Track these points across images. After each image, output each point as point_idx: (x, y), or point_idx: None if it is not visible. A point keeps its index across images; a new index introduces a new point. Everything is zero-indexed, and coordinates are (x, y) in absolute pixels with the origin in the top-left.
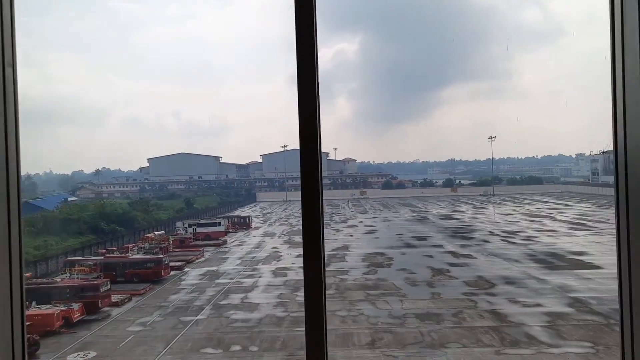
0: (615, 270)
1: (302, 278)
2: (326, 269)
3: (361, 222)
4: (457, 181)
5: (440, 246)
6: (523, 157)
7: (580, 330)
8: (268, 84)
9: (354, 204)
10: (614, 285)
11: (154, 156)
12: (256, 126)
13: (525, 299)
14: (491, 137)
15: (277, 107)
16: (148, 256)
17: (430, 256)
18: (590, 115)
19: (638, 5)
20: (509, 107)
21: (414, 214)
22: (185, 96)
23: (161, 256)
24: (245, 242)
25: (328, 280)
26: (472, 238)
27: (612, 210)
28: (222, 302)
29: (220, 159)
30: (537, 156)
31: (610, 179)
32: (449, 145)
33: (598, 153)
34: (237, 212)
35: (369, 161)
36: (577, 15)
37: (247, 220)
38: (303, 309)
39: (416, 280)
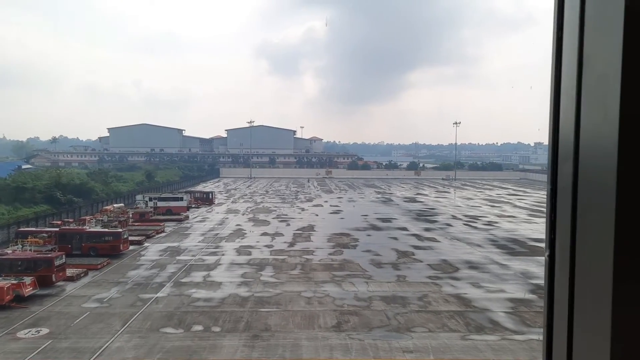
0: None
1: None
2: (292, 248)
3: (326, 201)
4: (421, 164)
5: (404, 229)
6: (484, 144)
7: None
8: (235, 56)
9: (320, 182)
10: None
11: (114, 126)
12: (221, 99)
13: (488, 284)
14: (456, 123)
15: (244, 80)
16: (106, 229)
17: (395, 238)
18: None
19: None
20: (473, 94)
21: (379, 196)
22: (149, 65)
23: (120, 230)
24: (208, 218)
25: (293, 260)
26: (435, 221)
27: None
28: (183, 280)
29: (183, 131)
30: (497, 143)
31: None
32: (414, 129)
33: None
34: (199, 187)
35: (334, 141)
36: (546, 4)
37: (210, 196)
38: (267, 289)
39: (381, 262)
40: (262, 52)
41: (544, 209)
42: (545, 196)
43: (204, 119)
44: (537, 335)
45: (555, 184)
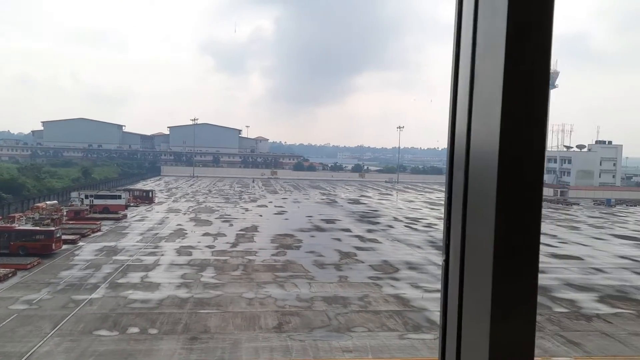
0: None
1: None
2: (234, 249)
3: (271, 202)
4: (365, 167)
5: (348, 230)
6: (425, 148)
7: None
8: (181, 53)
9: (264, 183)
10: None
11: (50, 119)
12: (164, 96)
13: (426, 284)
14: (399, 127)
15: (190, 78)
16: (37, 227)
17: (339, 239)
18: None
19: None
20: (417, 99)
21: (324, 197)
22: (88, 58)
23: (53, 228)
24: (147, 217)
25: (235, 261)
26: (378, 223)
27: None
28: (119, 281)
29: (123, 127)
30: (438, 148)
31: None
32: (360, 132)
33: None
34: (139, 185)
35: (281, 141)
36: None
37: (150, 195)
38: (207, 290)
39: (324, 263)
40: (208, 49)
41: None
42: None
43: (146, 116)
44: None
45: (451, 193)
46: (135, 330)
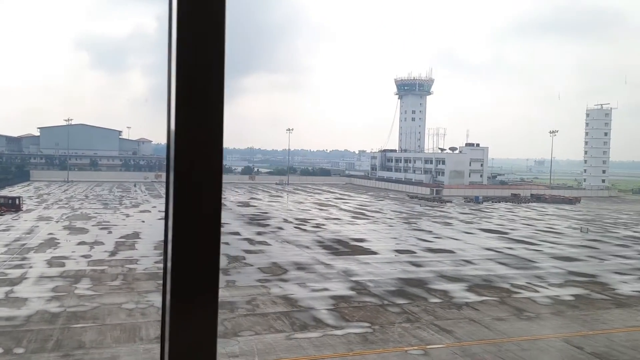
0: (388, 255)
1: (92, 270)
2: (113, 257)
3: (155, 207)
4: (256, 169)
5: (237, 233)
6: (315, 150)
7: (360, 312)
8: (50, 46)
9: (148, 187)
10: (389, 269)
11: None
12: (33, 94)
13: (314, 284)
14: (289, 129)
15: (61, 74)
16: None
17: (227, 243)
18: (372, 115)
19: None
20: (306, 101)
21: None
22: None
23: None
24: (13, 226)
25: (115, 271)
26: (267, 225)
27: (387, 202)
28: None
29: None
30: (326, 150)
31: (386, 174)
32: (249, 134)
33: (377, 151)
34: (4, 192)
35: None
36: (352, 23)
37: (17, 202)
38: (83, 303)
39: None
40: (82, 44)
41: (365, 212)
42: (365, 200)
43: (12, 116)
44: (354, 329)
45: (168, 196)
46: None
